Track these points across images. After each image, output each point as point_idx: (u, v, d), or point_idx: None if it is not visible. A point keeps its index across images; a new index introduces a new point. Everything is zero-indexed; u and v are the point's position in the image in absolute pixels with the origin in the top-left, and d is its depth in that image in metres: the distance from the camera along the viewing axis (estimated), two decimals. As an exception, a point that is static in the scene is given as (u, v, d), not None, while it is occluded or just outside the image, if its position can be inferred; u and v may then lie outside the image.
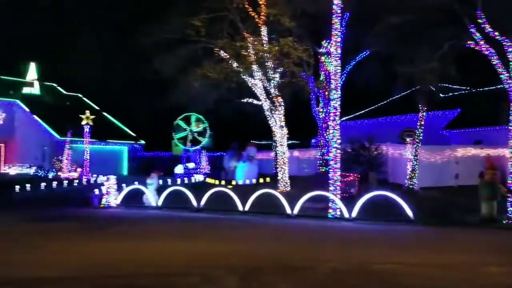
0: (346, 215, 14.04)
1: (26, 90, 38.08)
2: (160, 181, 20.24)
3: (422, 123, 19.83)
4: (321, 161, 23.67)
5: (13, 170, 33.42)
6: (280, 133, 20.42)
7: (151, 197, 18.02)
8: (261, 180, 22.34)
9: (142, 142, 38.48)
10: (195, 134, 30.26)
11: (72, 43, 43.76)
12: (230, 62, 19.68)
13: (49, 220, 14.27)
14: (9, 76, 38.95)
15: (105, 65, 41.90)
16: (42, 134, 33.90)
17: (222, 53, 19.72)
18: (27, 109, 35.29)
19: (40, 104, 36.35)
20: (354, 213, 13.97)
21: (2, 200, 19.37)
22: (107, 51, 41.97)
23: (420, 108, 19.83)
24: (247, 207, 15.85)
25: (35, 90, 38.63)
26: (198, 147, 30.66)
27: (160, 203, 17.69)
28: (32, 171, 32.13)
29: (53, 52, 42.55)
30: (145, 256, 8.93)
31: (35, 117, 34.47)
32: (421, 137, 19.70)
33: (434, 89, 20.40)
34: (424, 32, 15.40)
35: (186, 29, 18.85)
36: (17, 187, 22.36)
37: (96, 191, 19.04)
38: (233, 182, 22.52)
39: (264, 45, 19.39)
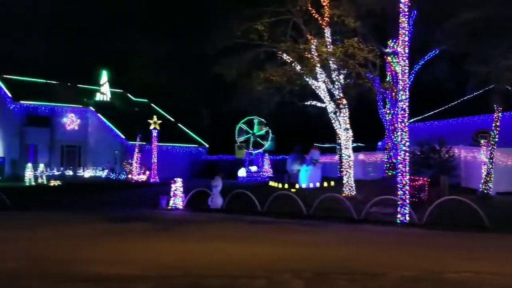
0: (416, 221, 13.46)
1: (98, 97, 40.26)
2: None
3: (498, 124, 18.62)
4: (388, 165, 22.93)
5: (87, 173, 35.36)
6: (345, 136, 20.01)
7: (216, 200, 18.29)
8: (325, 184, 22.01)
9: (206, 145, 39.31)
10: (258, 137, 30.47)
11: (140, 50, 45.68)
12: (293, 65, 19.59)
13: (121, 220, 14.85)
14: (83, 84, 41.39)
15: (171, 71, 43.36)
16: (114, 139, 35.63)
17: (285, 56, 19.68)
18: (99, 115, 37.25)
19: (111, 110, 38.28)
20: (424, 219, 13.35)
21: (78, 201, 20.47)
22: (173, 58, 43.41)
23: (495, 108, 18.64)
24: (311, 211, 15.65)
25: (107, 97, 40.72)
26: (260, 150, 30.82)
27: (224, 205, 17.92)
28: (104, 173, 33.85)
29: (122, 60, 44.62)
30: (211, 257, 9.01)
31: (107, 122, 36.30)
32: (496, 139, 18.50)
33: (510, 88, 19.10)
34: (500, 27, 14.45)
35: (249, 34, 19.01)
36: (92, 189, 23.54)
37: (164, 194, 19.62)
38: (297, 186, 22.36)
39: (328, 46, 19.12)
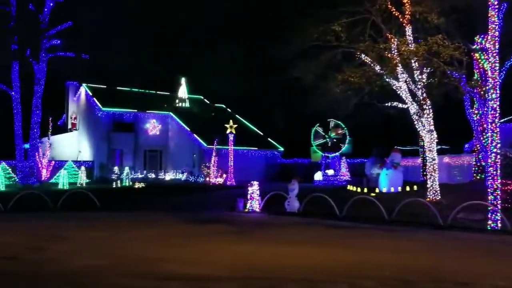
0: (509, 227, 12.42)
1: (178, 103, 41.86)
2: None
3: None
4: (476, 168, 21.49)
5: (168, 176, 36.82)
6: (429, 138, 19.01)
7: (293, 203, 18.17)
8: (407, 188, 21.07)
9: (281, 149, 39.35)
10: (334, 140, 29.94)
11: (216, 56, 46.86)
12: (372, 65, 18.99)
13: (201, 222, 15.22)
14: (164, 91, 43.25)
15: (245, 76, 43.98)
16: (192, 143, 36.81)
17: (364, 57, 19.13)
18: (179, 121, 38.69)
19: (189, 115, 39.60)
20: (519, 226, 12.30)
21: (160, 203, 21.31)
22: (247, 62, 43.99)
23: None
24: (393, 216, 15.01)
25: (186, 103, 42.21)
26: (337, 153, 30.25)
27: (301, 209, 17.75)
28: (184, 176, 35.03)
29: (200, 67, 46.03)
30: (290, 261, 8.92)
31: (186, 127, 37.61)
32: None
33: None
34: None
35: (326, 36, 18.74)
36: (172, 191, 24.42)
37: (241, 197, 19.85)
38: (377, 190, 21.63)
39: (410, 45, 18.31)
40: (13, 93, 30.36)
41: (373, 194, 19.24)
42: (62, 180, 28.87)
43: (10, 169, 31.48)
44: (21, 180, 30.13)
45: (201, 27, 53.02)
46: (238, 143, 33.42)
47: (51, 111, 36.16)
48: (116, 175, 30.85)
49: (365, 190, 21.93)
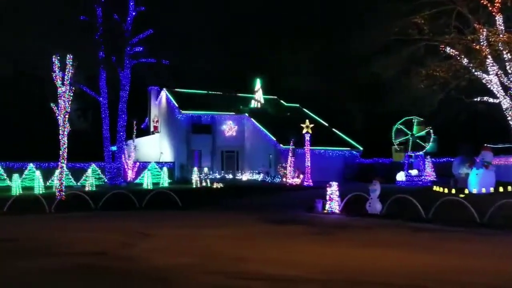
0: None
1: (253, 104, 42.25)
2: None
3: None
4: None
5: (244, 176, 37.25)
6: (524, 134, 17.52)
7: (374, 205, 17.50)
8: (501, 189, 19.51)
9: (360, 148, 38.28)
10: (418, 138, 28.53)
11: (291, 56, 46.69)
12: (459, 58, 17.85)
13: (279, 223, 15.12)
14: (240, 92, 43.87)
15: (321, 74, 43.39)
16: (268, 143, 36.94)
17: (449, 50, 18.05)
18: (254, 121, 39.01)
19: (265, 116, 39.77)
20: None
21: (239, 203, 21.55)
22: (323, 60, 43.36)
23: None
24: (486, 219, 13.91)
25: (261, 103, 42.48)
26: (421, 152, 28.81)
27: (383, 211, 17.04)
28: (260, 177, 35.24)
29: (275, 67, 46.14)
30: (373, 264, 8.62)
31: (261, 128, 37.81)
32: None
33: None
34: None
35: (407, 29, 17.92)
36: (249, 192, 24.61)
37: (319, 198, 19.49)
38: (466, 191, 20.26)
39: (501, 35, 16.98)
40: (100, 99, 32.32)
41: (462, 195, 18.02)
42: (146, 180, 30.22)
43: (99, 170, 33.57)
44: (109, 181, 31.99)
45: (275, 26, 53.12)
46: (315, 143, 32.99)
47: (135, 115, 38.07)
48: (195, 176, 31.73)
49: (453, 191, 20.62)
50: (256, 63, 46.55)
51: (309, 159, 31.09)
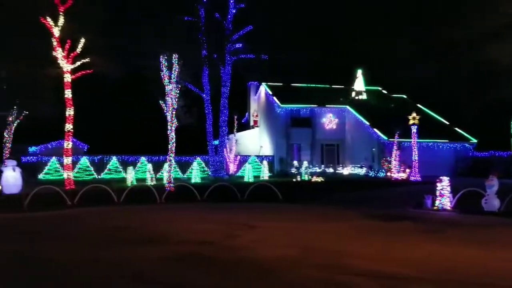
0: None
1: (354, 96, 41.09)
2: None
3: None
4: None
5: (346, 170, 36.40)
6: None
7: (491, 201, 15.95)
8: None
9: (474, 140, 35.35)
10: (543, 129, 25.61)
11: (393, 44, 44.59)
12: None
13: (383, 218, 14.43)
14: (339, 84, 42.94)
15: (427, 63, 40.87)
16: (370, 136, 35.66)
17: None
18: (356, 114, 37.90)
19: (367, 108, 38.47)
20: None
21: (340, 197, 21.02)
22: (429, 48, 40.77)
23: None
24: None
25: (362, 95, 41.16)
26: (545, 144, 25.83)
27: (502, 208, 15.46)
28: (363, 171, 34.17)
29: (377, 57, 44.41)
30: (489, 264, 7.96)
31: (364, 120, 36.60)
32: None
33: None
34: None
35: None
36: (351, 186, 23.91)
37: (428, 193, 18.31)
38: None
39: None
40: (204, 95, 33.61)
41: None
42: (247, 173, 30.83)
43: (203, 163, 35.01)
44: (212, 173, 33.22)
45: (376, 13, 51.09)
46: (422, 135, 31.16)
47: (236, 110, 39.10)
48: (295, 169, 31.67)
49: None
50: (357, 54, 45.22)
51: (416, 153, 29.42)
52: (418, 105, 39.76)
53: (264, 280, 7.08)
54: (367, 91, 41.59)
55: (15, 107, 29.47)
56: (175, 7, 30.78)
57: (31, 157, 32.68)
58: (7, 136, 30.40)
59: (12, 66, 23.12)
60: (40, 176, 31.21)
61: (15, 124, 30.63)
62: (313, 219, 13.95)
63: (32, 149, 37.06)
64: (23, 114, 30.46)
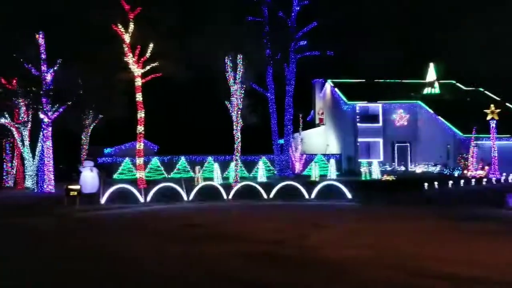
0: None
1: (426, 90, 39.23)
2: None
3: None
4: None
5: (418, 168, 34.84)
6: None
7: None
8: None
9: None
10: None
11: (469, 35, 42.01)
12: None
13: (463, 218, 13.60)
14: (409, 79, 41.18)
15: (503, 55, 38.14)
16: (445, 132, 33.83)
17: None
18: (428, 109, 36.15)
19: (440, 102, 36.56)
20: None
21: (411, 196, 20.07)
22: (503, 38, 37.99)
23: None
24: None
25: (435, 89, 39.21)
26: None
27: None
28: (437, 169, 32.52)
29: (450, 49, 42.12)
30: None
31: (437, 115, 34.81)
32: None
33: None
34: None
35: None
36: (425, 185, 22.77)
37: (510, 192, 16.97)
38: None
39: None
40: (268, 94, 33.56)
41: None
42: (314, 172, 30.36)
43: (269, 163, 34.99)
44: (278, 172, 33.08)
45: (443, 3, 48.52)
46: (503, 131, 29.05)
47: (301, 108, 38.64)
48: (364, 168, 30.75)
49: None
50: (428, 47, 43.14)
51: (496, 149, 27.49)
52: (498, 98, 37.18)
53: (339, 281, 6.85)
54: (440, 85, 39.52)
55: (91, 111, 31.07)
56: (238, 8, 30.98)
57: (107, 158, 34.36)
58: (84, 138, 32.13)
59: (88, 73, 24.37)
60: (115, 176, 32.69)
61: (91, 127, 32.32)
62: (385, 219, 13.39)
63: (107, 150, 38.93)
64: (99, 117, 32.05)
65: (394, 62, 41.15)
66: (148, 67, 25.71)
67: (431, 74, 39.49)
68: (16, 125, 25.17)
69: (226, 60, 23.09)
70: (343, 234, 10.83)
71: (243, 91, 23.31)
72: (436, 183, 23.29)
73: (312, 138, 41.89)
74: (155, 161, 34.09)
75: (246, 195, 19.60)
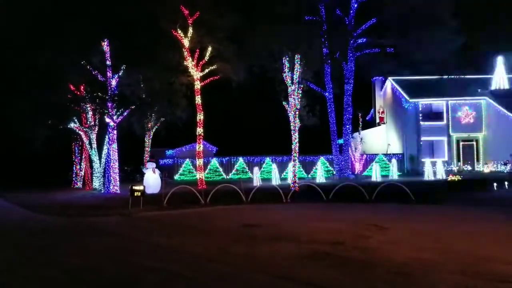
0: None
1: (494, 85, 37.14)
2: None
3: None
4: None
5: (486, 168, 33.07)
6: None
7: None
8: None
9: None
10: None
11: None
12: None
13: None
14: (475, 74, 39.09)
15: None
16: (515, 129, 31.89)
17: None
18: (497, 105, 34.23)
19: (510, 98, 34.47)
20: None
21: (481, 197, 19.04)
22: None
23: None
24: None
25: (504, 84, 37.03)
26: None
27: None
28: (507, 168, 30.71)
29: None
30: None
31: (507, 112, 32.88)
32: None
33: None
34: None
35: None
36: (494, 185, 21.53)
37: None
38: None
39: None
40: (326, 94, 33.16)
41: None
42: (375, 172, 29.65)
43: (327, 163, 34.58)
44: (337, 173, 32.60)
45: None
46: None
47: (360, 107, 37.86)
48: (428, 167, 29.58)
49: None
50: (496, 39, 40.65)
51: None
52: None
53: (402, 284, 6.61)
54: (509, 80, 37.28)
55: (153, 114, 32.19)
56: (296, 7, 30.82)
57: (168, 160, 35.46)
58: (147, 141, 33.35)
59: (150, 79, 25.29)
60: (176, 177, 33.65)
61: (153, 130, 33.47)
62: (450, 221, 12.79)
63: (168, 152, 40.18)
64: (161, 120, 33.14)
65: (457, 57, 39.20)
66: (206, 70, 26.22)
67: (500, 68, 37.35)
68: (84, 129, 26.57)
69: (283, 61, 23.06)
70: (405, 235, 10.47)
71: (300, 91, 23.18)
72: (506, 183, 21.98)
73: (372, 137, 40.93)
74: (214, 162, 34.74)
75: (305, 196, 19.45)
